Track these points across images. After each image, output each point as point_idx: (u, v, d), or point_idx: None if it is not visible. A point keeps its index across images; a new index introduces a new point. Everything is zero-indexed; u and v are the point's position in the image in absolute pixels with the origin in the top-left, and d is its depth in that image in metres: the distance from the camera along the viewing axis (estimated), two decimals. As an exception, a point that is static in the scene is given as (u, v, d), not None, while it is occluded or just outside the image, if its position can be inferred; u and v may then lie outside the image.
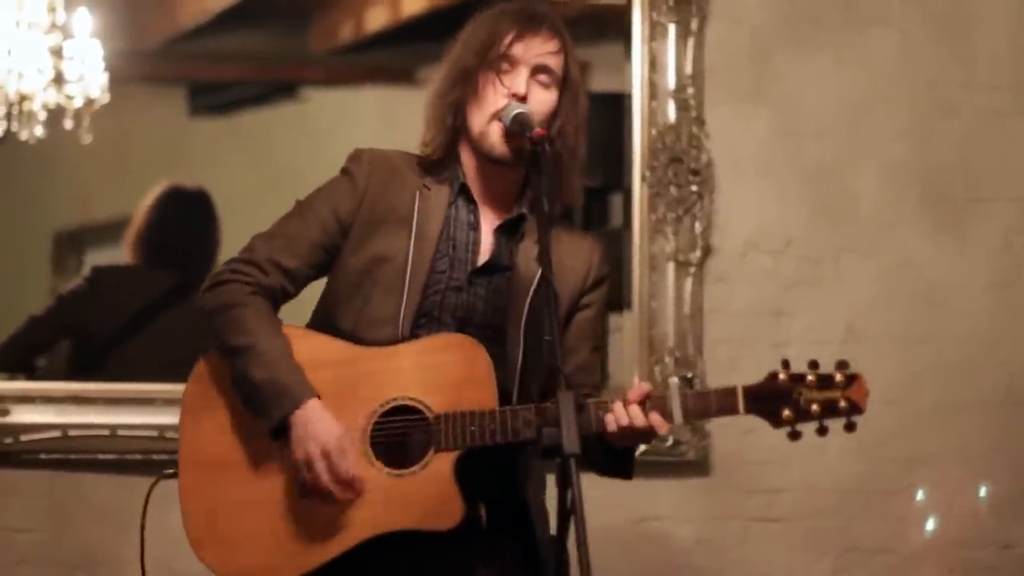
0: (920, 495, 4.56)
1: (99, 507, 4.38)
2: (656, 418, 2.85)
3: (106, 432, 4.35)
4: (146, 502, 3.15)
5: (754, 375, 2.81)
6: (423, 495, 2.85)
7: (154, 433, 4.34)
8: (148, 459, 4.35)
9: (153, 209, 4.56)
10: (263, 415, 2.88)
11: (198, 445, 2.98)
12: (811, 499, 4.54)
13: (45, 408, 4.35)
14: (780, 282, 4.57)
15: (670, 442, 4.45)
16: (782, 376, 2.85)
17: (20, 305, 4.57)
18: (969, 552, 4.57)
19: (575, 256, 3.05)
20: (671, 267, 4.51)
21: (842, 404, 2.84)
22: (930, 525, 4.55)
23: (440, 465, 2.85)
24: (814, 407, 2.83)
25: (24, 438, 4.33)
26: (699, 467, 4.51)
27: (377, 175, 3.00)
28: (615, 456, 2.97)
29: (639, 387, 2.88)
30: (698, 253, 4.53)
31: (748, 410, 2.86)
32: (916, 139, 4.66)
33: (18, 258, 4.62)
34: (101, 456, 4.36)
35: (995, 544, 4.59)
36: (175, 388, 4.33)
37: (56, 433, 4.34)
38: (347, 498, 2.85)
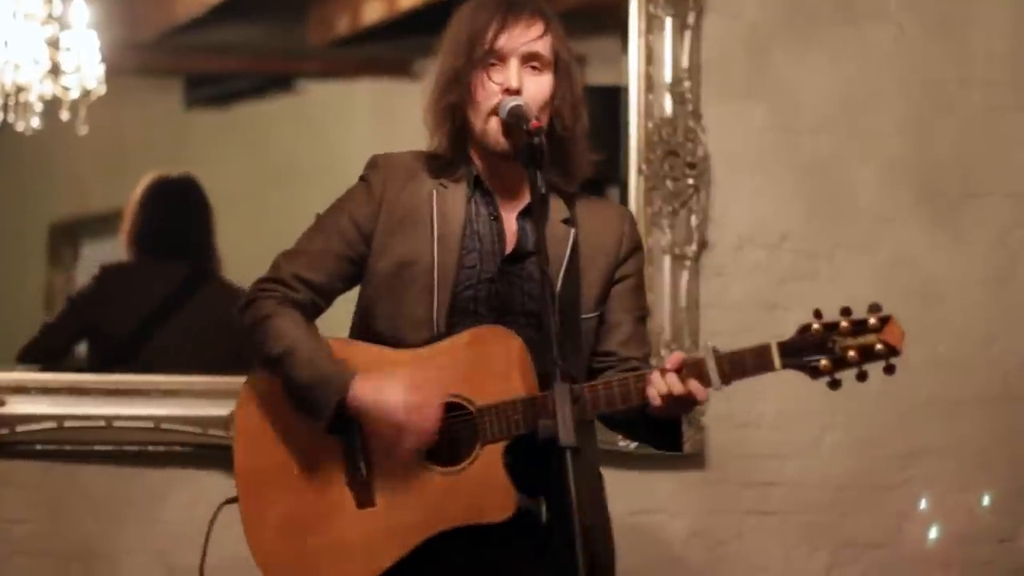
0: (923, 504, 4.56)
1: (95, 498, 4.38)
2: (694, 384, 2.80)
3: (102, 423, 4.34)
4: (210, 525, 3.12)
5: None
6: (475, 490, 2.86)
7: (150, 424, 4.34)
8: (144, 450, 4.36)
9: (142, 203, 4.55)
10: (317, 412, 2.90)
11: (254, 468, 3.01)
12: (806, 493, 4.54)
13: (41, 399, 4.35)
14: (775, 276, 4.57)
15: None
16: (815, 326, 2.77)
17: (16, 296, 4.58)
18: (965, 547, 4.57)
19: (604, 227, 3.05)
20: (667, 260, 4.51)
21: (879, 347, 2.75)
22: (926, 520, 4.55)
23: (489, 458, 2.86)
24: (851, 353, 2.75)
25: (20, 429, 4.32)
26: (695, 460, 4.51)
27: (393, 179, 3.02)
28: (659, 430, 2.95)
29: (673, 355, 2.84)
30: (694, 247, 4.52)
31: (785, 365, 2.78)
32: (912, 135, 4.66)
33: (14, 249, 4.62)
34: (97, 447, 4.36)
35: (991, 539, 4.59)
36: (171, 379, 4.40)
37: (52, 424, 4.33)
38: (407, 494, 2.88)
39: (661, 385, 2.81)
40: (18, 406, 4.34)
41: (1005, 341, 4.65)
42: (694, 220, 4.53)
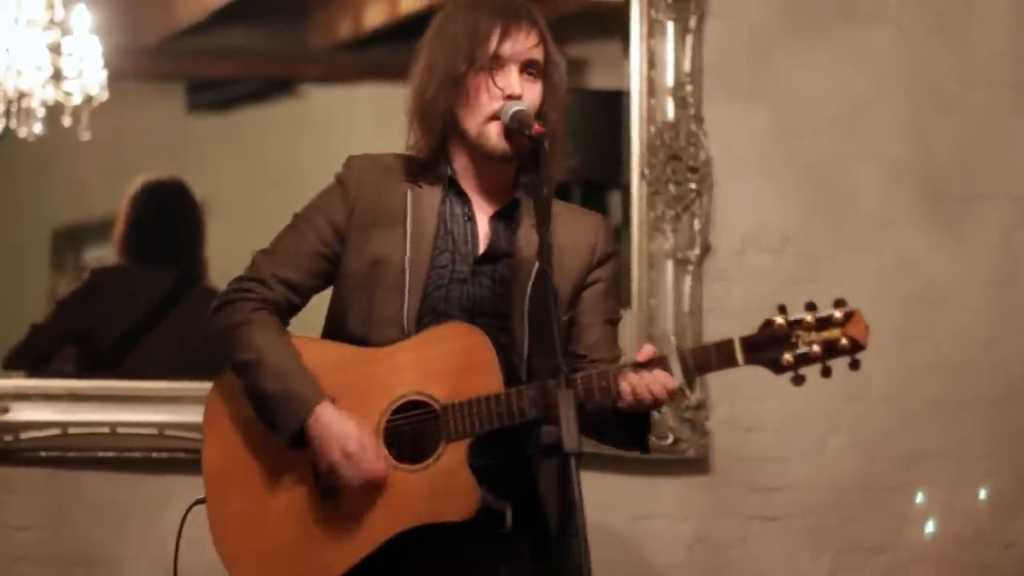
0: (920, 497, 4.55)
1: (98, 505, 4.38)
2: (662, 379, 2.79)
3: (106, 430, 4.34)
4: (181, 526, 3.14)
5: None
6: (439, 488, 2.87)
7: (154, 431, 4.34)
8: (148, 457, 4.36)
9: (132, 206, 4.55)
10: (277, 426, 2.92)
11: (220, 466, 3.02)
12: (810, 497, 4.54)
13: (44, 405, 4.35)
14: (778, 280, 4.56)
15: (670, 439, 4.45)
16: (779, 321, 2.74)
17: (18, 302, 4.58)
18: (968, 551, 4.57)
19: (578, 235, 3.05)
20: (670, 265, 4.51)
21: (843, 342, 2.71)
22: (929, 524, 4.55)
23: (453, 455, 2.86)
24: (815, 348, 2.71)
25: (24, 435, 4.33)
26: (699, 465, 4.51)
27: (367, 179, 3.03)
28: (628, 427, 2.94)
29: (644, 349, 2.83)
30: (697, 251, 4.53)
31: (748, 361, 2.76)
32: (914, 136, 4.66)
33: (16, 255, 4.62)
34: (100, 454, 4.36)
35: (994, 543, 4.59)
36: (174, 386, 4.41)
37: (55, 431, 4.34)
38: (371, 493, 2.88)
39: (636, 380, 2.79)
40: (22, 413, 4.34)
41: (1007, 344, 4.65)
42: (696, 224, 4.53)
